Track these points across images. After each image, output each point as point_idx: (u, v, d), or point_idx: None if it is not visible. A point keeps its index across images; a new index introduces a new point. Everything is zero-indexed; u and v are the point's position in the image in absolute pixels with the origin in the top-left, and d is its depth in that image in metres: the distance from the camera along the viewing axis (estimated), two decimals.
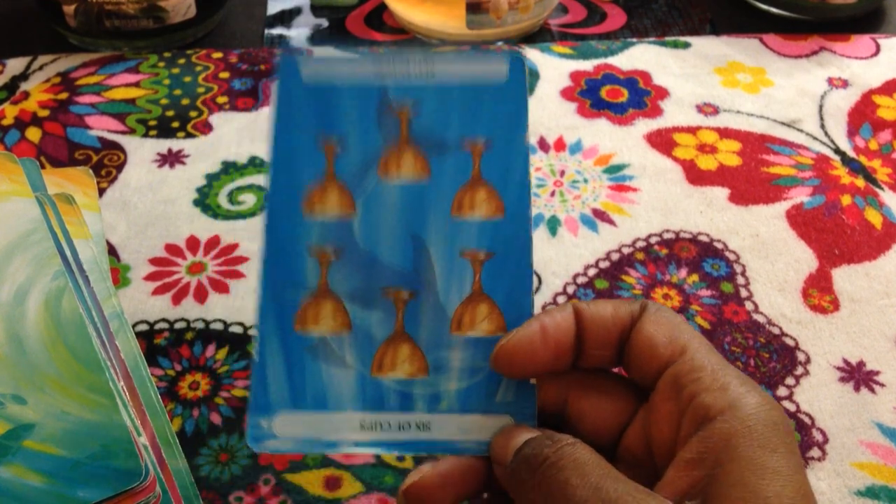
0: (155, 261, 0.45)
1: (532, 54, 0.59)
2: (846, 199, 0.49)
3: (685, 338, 0.28)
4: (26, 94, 0.55)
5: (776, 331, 0.43)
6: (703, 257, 0.46)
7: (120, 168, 0.50)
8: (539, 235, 0.47)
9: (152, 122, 0.53)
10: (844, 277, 0.45)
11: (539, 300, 0.44)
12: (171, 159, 0.51)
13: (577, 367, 0.30)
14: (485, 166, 0.32)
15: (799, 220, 0.48)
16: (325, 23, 0.62)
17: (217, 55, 0.58)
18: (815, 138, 0.53)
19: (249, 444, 0.29)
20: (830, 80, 0.57)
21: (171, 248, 0.46)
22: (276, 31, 0.61)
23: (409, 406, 0.30)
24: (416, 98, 0.32)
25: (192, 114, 0.54)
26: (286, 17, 0.63)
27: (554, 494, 0.25)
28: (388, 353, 0.30)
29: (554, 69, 0.57)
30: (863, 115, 0.54)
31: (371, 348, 0.30)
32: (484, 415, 0.29)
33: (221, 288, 0.44)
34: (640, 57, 0.59)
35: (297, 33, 0.61)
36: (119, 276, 0.45)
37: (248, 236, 0.47)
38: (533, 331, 0.28)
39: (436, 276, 0.31)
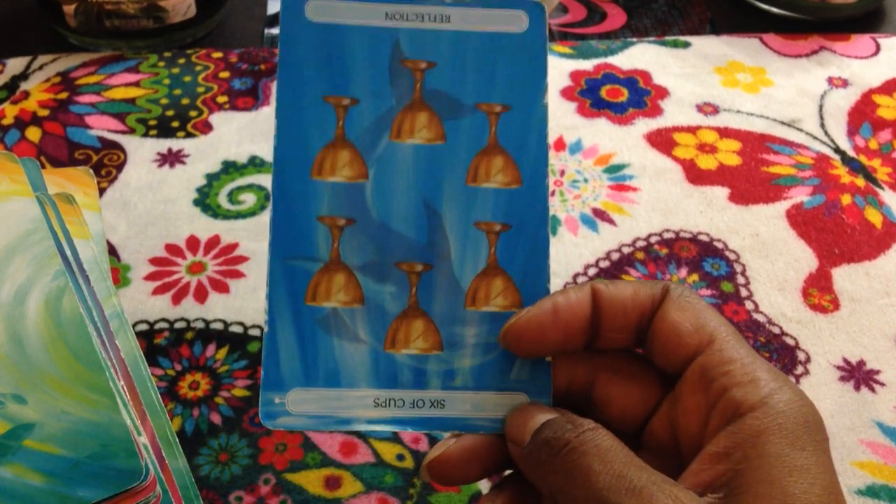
0: (155, 261, 0.45)
1: None
2: (846, 199, 0.49)
3: (712, 325, 0.27)
4: (26, 94, 0.55)
5: (776, 330, 0.43)
6: (703, 257, 0.46)
7: (120, 168, 0.50)
8: None
9: (152, 122, 0.53)
10: (844, 277, 0.45)
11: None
12: (171, 159, 0.51)
13: (603, 350, 0.29)
14: (501, 131, 0.31)
15: (799, 220, 0.48)
16: None
17: (217, 55, 0.58)
18: (815, 138, 0.53)
19: (262, 422, 0.28)
20: (830, 80, 0.57)
21: (171, 248, 0.46)
22: (276, 30, 0.61)
23: (423, 383, 0.29)
24: (431, 49, 0.31)
25: (192, 113, 0.54)
26: None
27: (575, 480, 0.25)
28: (402, 329, 0.29)
29: (554, 69, 0.57)
30: (863, 115, 0.54)
31: (384, 323, 0.29)
32: (498, 392, 0.29)
33: (221, 288, 0.44)
34: (640, 57, 0.59)
35: None
36: (119, 275, 0.45)
37: (249, 236, 0.47)
38: (544, 311, 0.28)
39: (450, 248, 0.30)
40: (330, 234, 0.30)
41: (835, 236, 0.47)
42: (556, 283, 0.45)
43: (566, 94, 0.56)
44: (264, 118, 0.54)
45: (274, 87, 0.56)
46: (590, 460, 0.25)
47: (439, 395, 0.29)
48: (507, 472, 0.30)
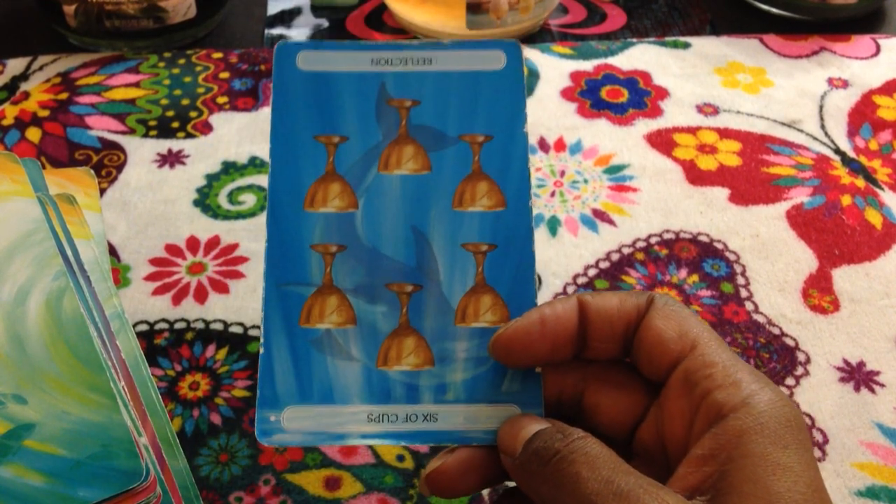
0: (155, 261, 0.45)
1: (532, 54, 0.59)
2: (846, 200, 0.49)
3: (695, 332, 0.28)
4: (26, 95, 0.55)
5: (776, 331, 0.43)
6: (703, 257, 0.46)
7: (120, 168, 0.50)
8: (539, 235, 0.47)
9: (152, 123, 0.53)
10: (844, 278, 0.45)
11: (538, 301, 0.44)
12: (171, 159, 0.51)
13: (591, 360, 0.30)
14: (484, 159, 0.32)
15: (799, 221, 0.48)
16: (325, 23, 0.63)
17: (217, 55, 0.58)
18: (816, 138, 0.53)
19: (258, 438, 0.29)
20: (830, 81, 0.57)
21: (171, 249, 0.46)
22: (276, 30, 0.61)
23: (415, 397, 0.30)
24: (415, 89, 0.33)
25: (192, 114, 0.54)
26: (286, 17, 0.63)
27: (565, 487, 0.25)
28: (394, 346, 0.30)
29: (554, 69, 0.57)
30: (863, 116, 0.54)
31: (376, 341, 0.30)
32: (490, 404, 0.30)
33: (221, 288, 0.44)
34: (640, 57, 0.59)
35: (297, 33, 0.61)
36: (119, 276, 0.45)
37: (248, 236, 0.47)
38: (531, 321, 0.28)
39: (439, 268, 0.31)
40: (322, 261, 0.31)
41: (835, 237, 0.47)
42: (555, 284, 0.45)
43: (566, 94, 0.56)
44: (264, 119, 0.54)
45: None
46: (578, 468, 0.25)
47: (432, 408, 0.30)
48: (509, 483, 0.30)
